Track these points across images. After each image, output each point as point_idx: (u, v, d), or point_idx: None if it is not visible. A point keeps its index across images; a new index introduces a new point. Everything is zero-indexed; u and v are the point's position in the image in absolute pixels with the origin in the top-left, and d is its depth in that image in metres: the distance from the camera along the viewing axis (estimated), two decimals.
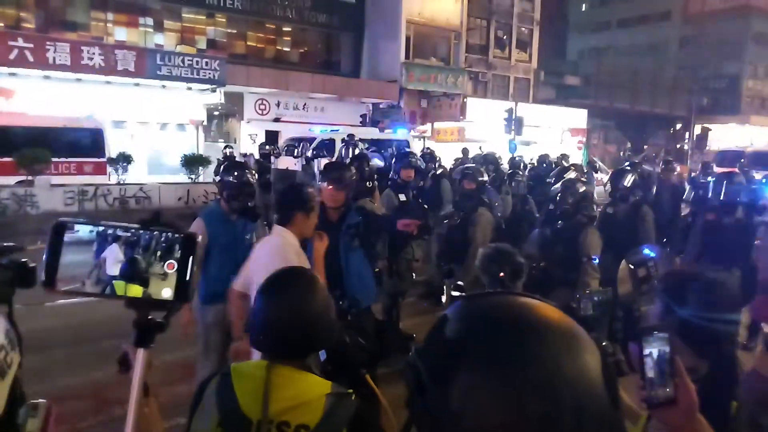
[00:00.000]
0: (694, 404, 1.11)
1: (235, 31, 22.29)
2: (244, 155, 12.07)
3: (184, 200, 14.15)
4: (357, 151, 7.32)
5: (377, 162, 6.05)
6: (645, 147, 32.02)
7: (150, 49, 18.00)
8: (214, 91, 18.49)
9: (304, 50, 24.06)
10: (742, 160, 18.57)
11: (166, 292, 1.02)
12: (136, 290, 1.02)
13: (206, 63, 17.78)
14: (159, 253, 1.03)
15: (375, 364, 3.26)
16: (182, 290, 1.03)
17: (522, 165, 10.29)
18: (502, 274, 2.71)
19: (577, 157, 22.15)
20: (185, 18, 21.05)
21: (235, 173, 3.87)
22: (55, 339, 5.37)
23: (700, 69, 38.29)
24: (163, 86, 17.68)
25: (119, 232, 1.03)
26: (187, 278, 1.02)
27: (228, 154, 11.19)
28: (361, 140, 15.28)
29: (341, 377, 1.65)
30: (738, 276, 4.50)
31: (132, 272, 1.01)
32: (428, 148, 12.74)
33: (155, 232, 1.04)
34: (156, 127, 18.77)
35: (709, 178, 6.16)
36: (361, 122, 22.59)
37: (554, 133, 27.03)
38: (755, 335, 4.16)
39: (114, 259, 1.01)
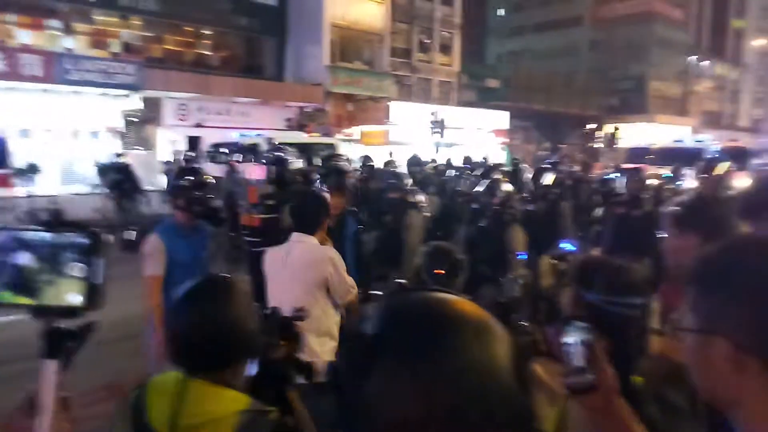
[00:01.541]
0: (614, 388, 1.17)
1: (151, 35, 21.48)
2: (168, 162, 11.64)
3: (101, 212, 13.45)
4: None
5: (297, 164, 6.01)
6: (561, 146, 33.46)
7: (59, 53, 17.02)
8: (130, 96, 17.71)
9: (225, 54, 23.52)
10: (650, 157, 19.78)
11: (74, 299, 0.96)
12: (24, 299, 0.94)
13: (121, 67, 17.02)
14: (61, 256, 0.96)
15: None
16: (92, 296, 0.96)
17: (451, 165, 10.51)
18: (440, 271, 2.76)
19: (500, 157, 22.86)
20: (97, 21, 20.07)
21: (189, 176, 3.52)
22: None
23: (609, 71, 40.54)
24: (74, 92, 16.75)
25: (16, 235, 0.96)
26: (97, 282, 0.96)
27: (121, 162, 10.92)
28: (287, 144, 15.17)
29: (269, 394, 1.60)
30: (648, 265, 4.77)
31: (21, 280, 0.94)
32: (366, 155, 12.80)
33: (56, 234, 0.97)
34: (68, 135, 17.75)
35: (614, 174, 6.51)
36: (287, 126, 22.32)
37: (477, 134, 27.77)
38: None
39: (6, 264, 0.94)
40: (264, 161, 4.72)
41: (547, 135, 38.11)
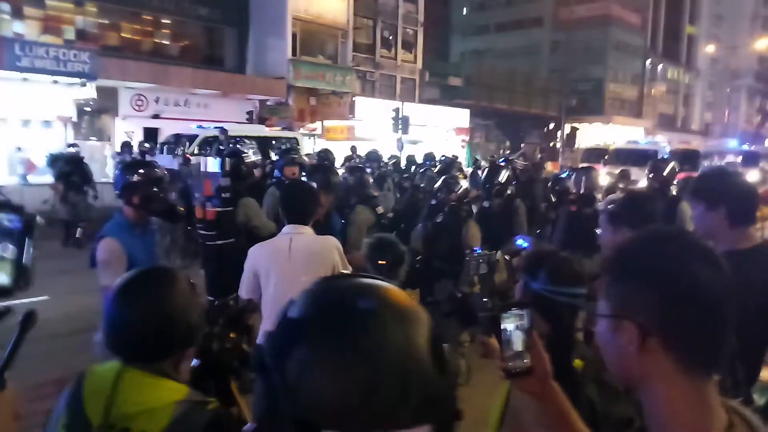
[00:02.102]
0: (548, 373, 1.23)
1: (107, 22, 20.88)
2: (119, 153, 11.34)
3: (50, 203, 13.03)
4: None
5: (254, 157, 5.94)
6: (522, 145, 34.04)
7: (7, 38, 16.38)
8: (84, 85, 17.16)
9: (184, 44, 23.05)
10: (606, 157, 20.37)
11: (2, 279, 0.96)
12: None
13: (74, 55, 16.45)
14: None
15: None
16: (20, 277, 0.97)
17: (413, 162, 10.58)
18: (382, 262, 2.80)
19: (461, 155, 23.13)
20: (49, 6, 19.39)
21: (141, 171, 3.26)
22: None
23: (569, 72, 41.38)
24: (25, 79, 16.15)
25: None
26: (25, 262, 0.97)
27: (71, 153, 10.61)
28: (247, 138, 14.99)
29: (210, 385, 1.59)
30: (599, 261, 4.93)
31: None
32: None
33: None
34: (18, 124, 17.11)
35: (567, 173, 6.70)
36: (247, 119, 22.04)
37: (440, 132, 28.00)
38: None
39: None
40: (219, 154, 4.66)
41: (509, 134, 38.71)
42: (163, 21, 22.32)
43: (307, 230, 3.07)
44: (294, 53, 23.57)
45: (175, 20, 22.47)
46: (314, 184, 3.45)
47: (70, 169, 10.07)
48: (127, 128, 19.04)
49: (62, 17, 19.75)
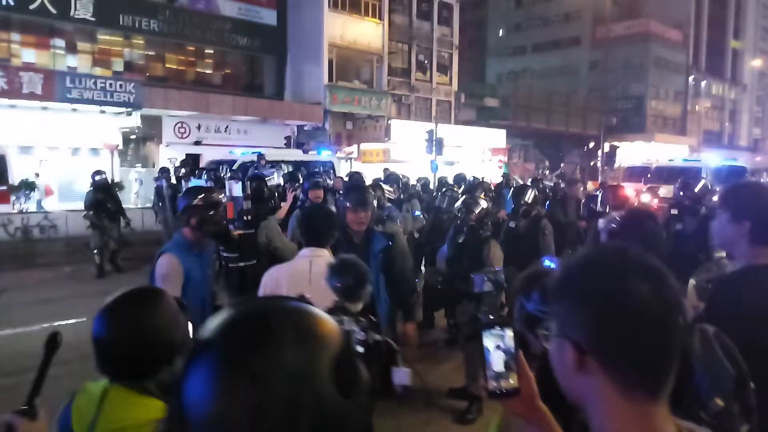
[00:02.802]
0: (534, 394, 1.20)
1: (153, 53, 21.79)
2: (156, 179, 11.65)
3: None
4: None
5: (276, 179, 6.02)
6: (561, 165, 33.60)
7: (59, 72, 17.27)
8: (129, 114, 17.90)
9: (225, 72, 23.81)
10: (648, 175, 19.90)
11: None
12: None
13: (120, 85, 17.22)
14: None
15: None
16: None
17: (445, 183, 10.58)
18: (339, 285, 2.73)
19: (497, 175, 22.96)
20: (100, 40, 20.39)
21: (201, 195, 3.48)
22: None
23: (609, 90, 40.80)
24: (74, 109, 16.96)
25: None
26: None
27: (99, 180, 10.49)
28: (284, 162, 15.28)
29: None
30: None
31: None
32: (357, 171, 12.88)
33: None
34: (67, 152, 17.94)
35: (598, 191, 6.59)
36: (285, 144, 22.51)
37: (476, 152, 27.92)
38: None
39: None
40: (241, 177, 4.77)
41: (548, 154, 38.30)
42: (206, 51, 23.15)
43: (325, 253, 3.08)
44: (330, 79, 24.05)
45: (217, 50, 23.28)
46: (335, 207, 3.48)
47: (102, 197, 10.13)
48: (171, 155, 19.70)
49: (111, 50, 20.73)
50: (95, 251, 10.03)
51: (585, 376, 0.92)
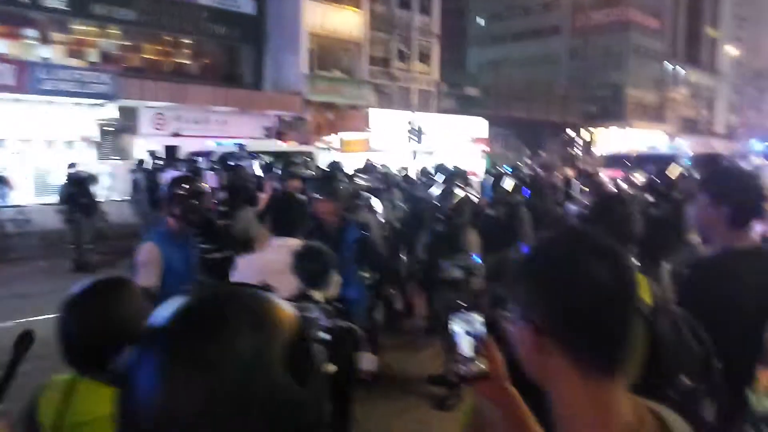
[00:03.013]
0: (503, 377, 1.20)
1: (129, 44, 21.39)
2: (133, 171, 11.48)
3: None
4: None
5: (256, 170, 5.96)
6: (542, 153, 33.79)
7: (31, 63, 16.89)
8: (103, 105, 17.60)
9: (203, 63, 23.49)
10: (629, 163, 20.12)
11: None
12: None
13: (95, 77, 16.91)
14: None
15: None
16: None
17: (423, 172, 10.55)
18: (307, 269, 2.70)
19: (480, 164, 23.05)
20: (75, 30, 19.95)
21: (184, 184, 3.48)
22: None
23: (588, 79, 41.07)
24: (49, 102, 16.63)
25: None
26: None
27: (73, 173, 10.25)
28: (264, 153, 15.16)
29: None
30: None
31: None
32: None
33: None
34: (42, 145, 17.60)
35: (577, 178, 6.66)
36: (266, 135, 22.31)
37: (458, 142, 27.96)
38: None
39: None
40: (217, 168, 4.72)
41: (528, 142, 38.46)
42: (183, 41, 22.80)
43: (294, 242, 3.06)
44: (310, 69, 23.85)
45: (194, 40, 22.94)
46: (319, 200, 3.46)
47: (75, 191, 9.90)
48: (148, 147, 19.42)
49: (86, 41, 20.31)
50: (72, 246, 9.85)
51: (544, 357, 0.93)
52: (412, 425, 4.59)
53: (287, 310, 0.72)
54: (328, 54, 25.10)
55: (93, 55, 20.28)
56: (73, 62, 18.80)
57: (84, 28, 20.17)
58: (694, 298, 2.30)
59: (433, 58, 30.74)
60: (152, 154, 13.31)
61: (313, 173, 7.23)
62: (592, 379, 0.91)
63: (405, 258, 6.55)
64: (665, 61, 47.36)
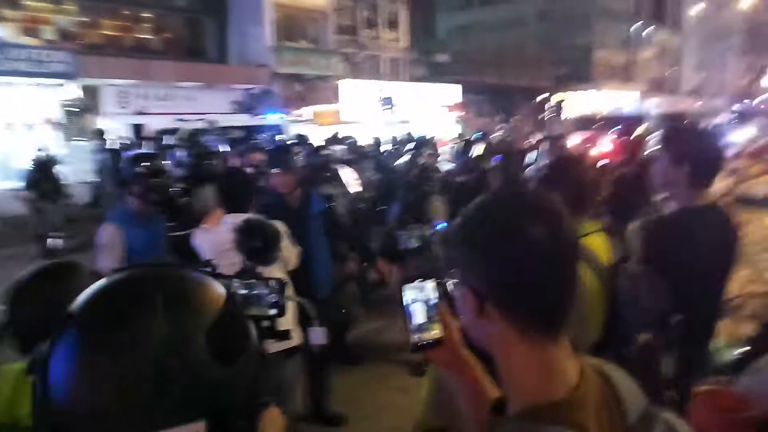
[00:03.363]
0: (456, 342, 1.19)
1: (87, 20, 20.62)
2: (96, 151, 11.16)
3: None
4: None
5: (221, 146, 5.86)
6: (512, 118, 33.85)
7: None
8: (62, 85, 17.04)
9: (165, 37, 22.81)
10: (594, 125, 20.31)
11: None
12: None
13: (54, 55, 16.32)
14: None
15: None
16: None
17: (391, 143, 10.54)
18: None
19: (455, 131, 23.00)
20: (28, 6, 19.13)
21: (143, 163, 3.40)
22: None
23: (557, 41, 40.99)
24: (7, 83, 16.03)
25: None
26: None
27: (40, 158, 9.90)
28: (232, 128, 14.93)
29: None
30: None
31: None
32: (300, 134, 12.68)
33: None
34: (2, 128, 17.03)
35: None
36: (235, 109, 21.91)
37: (431, 110, 27.81)
38: None
39: None
40: (180, 145, 4.63)
41: (501, 107, 38.44)
42: (143, 15, 22.06)
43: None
44: (276, 40, 23.35)
45: (155, 14, 22.22)
46: (275, 173, 3.43)
47: (40, 176, 9.54)
48: (112, 126, 18.94)
49: (40, 17, 19.50)
50: (37, 234, 9.49)
51: (485, 321, 0.93)
52: (390, 392, 4.67)
53: (213, 289, 0.70)
54: (294, 24, 24.58)
55: (49, 33, 19.53)
56: (29, 41, 18.09)
57: (37, 4, 19.36)
58: (654, 256, 2.36)
59: (402, 24, 30.32)
60: (100, 133, 12.90)
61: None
62: (533, 342, 0.91)
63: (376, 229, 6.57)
64: (631, 22, 47.49)
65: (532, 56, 39.67)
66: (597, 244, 2.12)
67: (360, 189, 5.88)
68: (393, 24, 29.93)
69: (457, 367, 1.20)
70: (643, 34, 48.33)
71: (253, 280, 1.09)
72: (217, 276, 1.01)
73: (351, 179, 5.64)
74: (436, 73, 32.64)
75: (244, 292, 1.06)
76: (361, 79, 26.58)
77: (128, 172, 3.36)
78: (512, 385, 0.94)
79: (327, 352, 4.06)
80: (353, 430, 4.18)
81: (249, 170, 5.36)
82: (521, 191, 1.04)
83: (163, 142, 10.71)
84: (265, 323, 1.09)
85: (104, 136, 12.99)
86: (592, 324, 2.02)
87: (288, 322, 3.11)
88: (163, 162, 3.59)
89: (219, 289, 0.72)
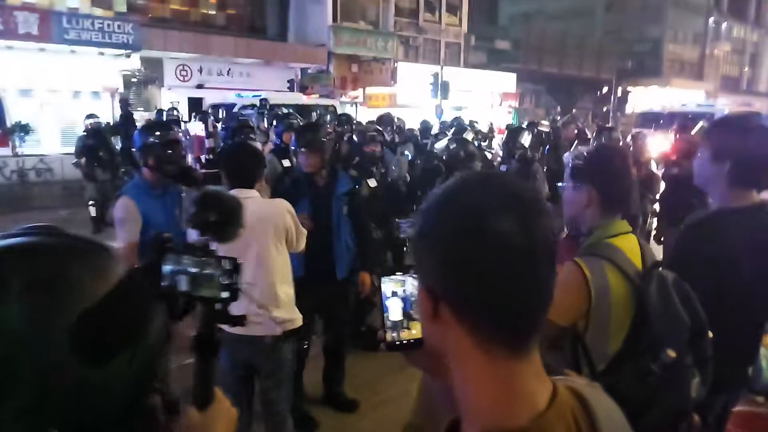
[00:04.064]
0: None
1: None
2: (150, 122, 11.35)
3: None
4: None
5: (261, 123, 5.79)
6: (573, 110, 32.87)
7: (55, 12, 16.81)
8: (128, 56, 17.55)
9: (228, 13, 23.15)
10: (661, 121, 19.44)
11: None
12: None
13: (118, 26, 16.81)
14: None
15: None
16: None
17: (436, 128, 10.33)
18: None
19: (508, 120, 22.52)
20: None
21: (158, 132, 3.31)
22: None
23: (624, 33, 39.38)
24: (73, 51, 16.64)
25: None
26: None
27: (90, 125, 9.70)
28: (285, 106, 15.02)
29: None
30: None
31: None
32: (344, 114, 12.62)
33: None
34: (68, 95, 17.72)
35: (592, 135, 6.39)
36: (288, 88, 22.07)
37: (485, 97, 27.30)
38: None
39: None
40: (210, 117, 4.60)
41: (560, 99, 37.38)
42: None
43: (253, 194, 2.98)
44: (335, 19, 23.32)
45: None
46: (302, 152, 3.36)
47: (93, 143, 9.33)
48: (173, 98, 19.42)
49: None
50: (90, 203, 9.37)
51: (440, 327, 0.79)
52: (407, 381, 4.57)
53: (103, 270, 0.60)
54: (354, 4, 24.47)
55: (119, 4, 20.11)
56: (99, 12, 18.68)
57: None
58: (682, 260, 2.15)
59: (463, 9, 29.74)
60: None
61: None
62: (494, 356, 0.76)
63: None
64: (707, 15, 45.06)
65: (596, 47, 38.27)
66: (628, 246, 1.94)
67: (401, 173, 5.76)
68: (454, 8, 29.39)
69: (439, 372, 1.03)
70: (720, 28, 45.80)
71: (205, 258, 0.99)
72: (167, 251, 0.92)
73: (393, 162, 5.52)
74: (495, 60, 31.97)
75: (194, 270, 0.96)
76: (418, 63, 26.29)
77: (140, 143, 3.30)
78: (467, 406, 0.79)
79: (342, 336, 4.00)
80: (365, 417, 4.13)
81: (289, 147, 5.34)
82: (492, 174, 0.89)
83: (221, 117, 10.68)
84: (218, 306, 1.00)
85: (169, 111, 12.84)
86: (612, 334, 1.85)
87: (289, 308, 3.05)
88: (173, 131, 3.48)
89: (111, 269, 0.61)
